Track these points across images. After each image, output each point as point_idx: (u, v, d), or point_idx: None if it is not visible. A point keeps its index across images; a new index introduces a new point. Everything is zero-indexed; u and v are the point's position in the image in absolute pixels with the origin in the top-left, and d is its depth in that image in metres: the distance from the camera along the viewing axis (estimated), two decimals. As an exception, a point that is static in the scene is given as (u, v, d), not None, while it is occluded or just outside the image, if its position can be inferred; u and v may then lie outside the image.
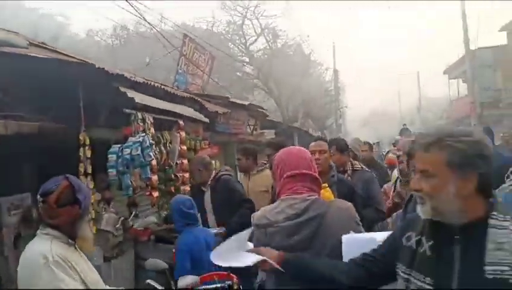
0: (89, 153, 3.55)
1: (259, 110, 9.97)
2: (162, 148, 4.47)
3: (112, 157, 3.74)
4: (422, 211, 1.43)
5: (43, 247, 2.04)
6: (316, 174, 2.10)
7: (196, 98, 5.92)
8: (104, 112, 3.96)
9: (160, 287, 3.09)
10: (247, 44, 22.45)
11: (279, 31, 23.60)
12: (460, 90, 26.90)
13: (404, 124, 21.33)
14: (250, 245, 1.93)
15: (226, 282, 3.03)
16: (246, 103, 9.23)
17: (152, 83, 4.43)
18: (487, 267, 1.29)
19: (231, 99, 7.99)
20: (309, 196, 1.98)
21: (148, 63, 11.86)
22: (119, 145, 3.82)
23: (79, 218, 2.15)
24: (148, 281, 3.19)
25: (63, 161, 3.55)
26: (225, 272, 3.03)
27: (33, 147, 3.65)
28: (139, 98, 3.88)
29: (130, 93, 3.77)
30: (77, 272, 2.08)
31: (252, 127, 10.87)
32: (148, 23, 10.32)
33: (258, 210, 2.21)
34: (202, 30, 21.42)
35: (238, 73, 22.79)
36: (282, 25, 24.21)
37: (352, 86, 41.97)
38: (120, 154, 3.72)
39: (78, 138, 3.61)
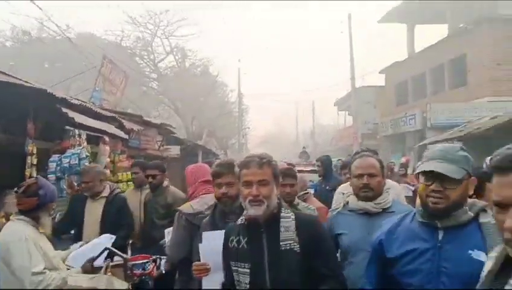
0: (35, 161, 4.41)
1: (167, 128, 11.07)
2: (91, 159, 5.40)
3: (52, 165, 4.62)
4: (257, 211, 2.03)
5: (20, 227, 2.97)
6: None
7: (116, 116, 6.90)
8: (45, 127, 4.83)
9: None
10: (156, 61, 23.28)
11: (188, 51, 24.88)
12: (347, 121, 30.77)
13: (304, 147, 23.84)
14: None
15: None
16: (159, 122, 10.31)
17: (86, 104, 5.40)
18: (281, 243, 2.00)
19: (144, 118, 9.02)
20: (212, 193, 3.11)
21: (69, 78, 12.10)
22: (58, 155, 4.72)
23: (37, 208, 3.10)
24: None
25: (9, 166, 4.36)
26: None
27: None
28: (78, 118, 4.85)
29: (71, 114, 4.73)
30: (41, 247, 3.04)
31: (159, 143, 11.89)
32: (63, 33, 10.76)
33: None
34: (111, 42, 21.72)
35: (144, 88, 23.38)
36: (192, 45, 25.43)
37: (254, 108, 44.64)
38: (59, 162, 4.63)
39: (24, 148, 4.45)
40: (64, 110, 4.71)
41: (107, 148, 5.81)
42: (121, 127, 6.95)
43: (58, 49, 16.82)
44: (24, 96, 4.50)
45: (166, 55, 23.74)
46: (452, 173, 1.73)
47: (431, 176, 1.78)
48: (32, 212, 2.96)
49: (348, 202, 2.65)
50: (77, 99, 5.27)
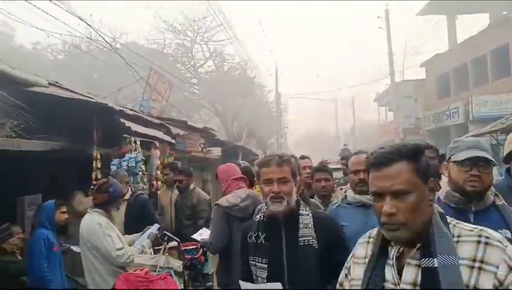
0: (99, 165, 5.20)
1: (209, 131, 11.84)
2: (145, 162, 6.18)
3: (113, 167, 5.39)
4: (279, 207, 2.15)
5: (96, 218, 3.70)
6: (243, 176, 3.60)
7: (164, 123, 7.68)
8: (106, 135, 5.63)
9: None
10: (196, 66, 24.28)
11: (227, 55, 25.70)
12: (389, 116, 30.55)
13: (345, 145, 23.91)
14: None
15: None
16: (201, 126, 11.09)
17: (139, 114, 6.18)
18: (300, 239, 2.10)
19: (188, 123, 9.80)
20: (245, 189, 3.49)
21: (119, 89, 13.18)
22: (118, 159, 5.50)
23: (108, 202, 3.81)
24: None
25: (77, 169, 5.16)
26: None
27: (57, 159, 5.22)
28: (133, 127, 5.61)
29: (127, 124, 5.50)
30: (114, 230, 3.77)
31: (202, 146, 12.68)
32: (111, 45, 11.82)
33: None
34: (153, 50, 22.92)
35: (185, 93, 24.44)
36: (230, 49, 26.20)
37: (294, 108, 45.07)
38: (119, 165, 5.40)
39: (90, 153, 5.26)
40: (121, 120, 5.49)
41: (158, 152, 6.57)
42: (168, 132, 7.72)
43: (106, 59, 18.07)
44: (89, 110, 5.30)
45: (205, 60, 24.66)
46: (490, 158, 2.05)
47: (468, 163, 2.04)
48: (103, 205, 3.71)
49: (346, 196, 2.89)
50: (131, 110, 6.06)
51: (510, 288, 1.26)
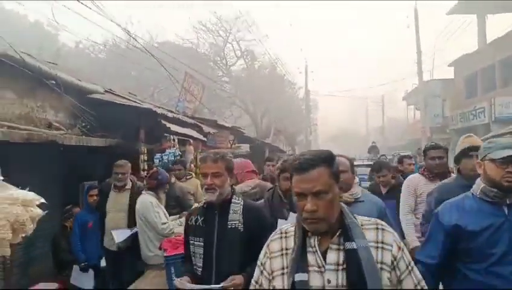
0: (146, 158, 6.48)
1: (238, 129, 13.05)
2: (181, 157, 7.42)
3: (156, 160, 6.66)
4: (211, 197, 2.53)
5: (149, 198, 4.90)
6: (254, 169, 4.65)
7: (197, 122, 8.92)
8: (150, 134, 6.90)
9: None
10: (228, 65, 25.55)
11: (258, 54, 26.82)
12: (417, 115, 30.81)
13: (373, 142, 24.38)
14: None
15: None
16: (230, 125, 12.31)
17: (176, 116, 7.43)
18: (228, 222, 2.51)
19: (218, 122, 11.03)
20: (255, 179, 4.52)
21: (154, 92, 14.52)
22: (159, 154, 6.75)
23: (156, 187, 5.00)
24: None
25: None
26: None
27: (112, 153, 6.52)
28: (172, 127, 6.86)
29: (168, 125, 6.74)
30: (161, 208, 4.95)
31: (231, 142, 13.91)
32: (147, 50, 13.12)
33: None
34: (188, 49, 24.33)
35: (216, 90, 25.76)
36: (260, 48, 27.25)
37: (324, 105, 45.73)
38: (161, 159, 6.66)
39: (138, 148, 6.53)
40: (163, 122, 6.74)
41: (192, 148, 7.80)
42: (200, 131, 8.97)
43: (143, 58, 19.48)
44: (137, 113, 6.58)
45: (237, 59, 25.88)
46: None
47: (504, 161, 2.23)
48: (154, 189, 4.91)
49: None
50: (170, 111, 7.30)
51: (400, 261, 1.67)
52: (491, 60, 20.73)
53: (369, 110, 47.21)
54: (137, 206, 4.82)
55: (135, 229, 4.92)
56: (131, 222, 5.02)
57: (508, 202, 2.25)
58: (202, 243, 2.52)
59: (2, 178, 2.09)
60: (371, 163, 15.12)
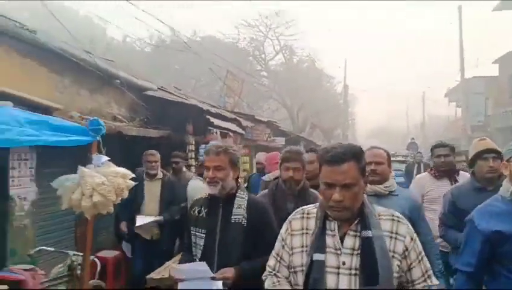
0: (193, 148, 7.47)
1: (274, 123, 13.93)
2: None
3: (201, 151, 7.63)
4: (213, 190, 2.56)
5: (199, 183, 5.83)
6: None
7: (237, 117, 9.87)
8: (196, 127, 7.89)
9: None
10: (267, 59, 26.42)
11: (296, 48, 27.50)
12: (459, 112, 30.48)
13: (412, 138, 24.53)
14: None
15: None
16: (266, 119, 13.21)
17: (220, 112, 8.40)
18: (232, 217, 2.54)
19: (255, 117, 11.96)
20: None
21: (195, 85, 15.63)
22: (204, 145, 7.73)
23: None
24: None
25: (177, 150, 7.44)
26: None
27: (164, 143, 7.54)
28: (215, 121, 7.82)
29: (211, 119, 7.71)
30: None
31: (267, 136, 14.81)
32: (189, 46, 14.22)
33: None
34: (229, 44, 25.38)
35: (255, 84, 26.70)
36: (299, 42, 27.87)
37: (364, 101, 45.76)
38: (205, 148, 7.63)
39: (184, 141, 7.53)
40: (207, 117, 7.71)
41: (231, 140, 8.75)
42: (239, 125, 9.91)
43: (185, 53, 20.64)
44: (184, 108, 7.59)
45: (276, 54, 26.70)
46: None
47: None
48: (202, 175, 5.83)
49: None
50: (213, 107, 8.27)
51: (411, 251, 1.82)
52: (537, 58, 20.44)
53: (410, 107, 46.79)
54: (189, 189, 5.71)
55: (158, 218, 5.29)
56: (162, 210, 5.35)
57: None
58: (204, 235, 2.54)
59: (108, 158, 3.03)
60: (404, 159, 15.65)
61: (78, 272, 3.71)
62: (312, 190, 3.18)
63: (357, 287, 1.74)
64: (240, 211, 2.54)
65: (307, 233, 1.89)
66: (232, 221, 2.52)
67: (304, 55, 28.06)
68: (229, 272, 2.39)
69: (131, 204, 5.11)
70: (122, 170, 2.97)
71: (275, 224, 2.49)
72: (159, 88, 7.97)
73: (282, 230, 2.00)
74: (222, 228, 2.52)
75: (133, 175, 3.26)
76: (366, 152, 3.09)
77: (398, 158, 15.31)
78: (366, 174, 2.62)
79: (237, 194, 2.61)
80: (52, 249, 4.21)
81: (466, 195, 3.07)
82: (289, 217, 2.02)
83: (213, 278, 2.36)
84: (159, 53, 24.15)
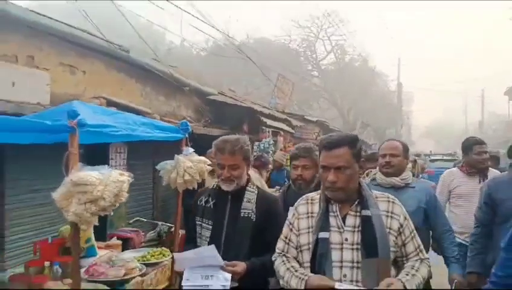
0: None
1: (324, 123, 14.96)
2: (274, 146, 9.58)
3: (255, 148, 8.89)
4: (228, 187, 2.54)
5: (254, 174, 7.08)
6: None
7: (287, 117, 11.04)
8: (251, 126, 9.15)
9: None
10: (318, 59, 27.31)
11: (348, 47, 28.12)
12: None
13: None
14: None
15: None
16: (315, 119, 14.29)
17: (271, 112, 9.62)
18: (241, 211, 2.52)
19: (305, 117, 13.08)
20: None
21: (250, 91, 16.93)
22: (257, 142, 8.98)
23: (259, 166, 7.15)
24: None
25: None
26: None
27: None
28: (267, 121, 9.04)
29: (264, 119, 8.94)
30: (263, 183, 7.13)
31: (316, 134, 15.84)
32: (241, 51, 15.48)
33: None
34: (280, 45, 26.50)
35: (306, 84, 27.61)
36: (351, 41, 28.42)
37: (420, 99, 45.20)
38: (258, 146, 8.87)
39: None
40: (261, 117, 8.96)
41: (282, 139, 9.95)
42: (289, 124, 11.08)
43: (239, 56, 21.91)
44: (241, 110, 8.88)
45: (327, 53, 27.50)
46: None
47: None
48: (257, 168, 7.04)
49: (374, 178, 3.21)
50: (266, 108, 9.50)
51: (405, 229, 2.07)
52: None
53: (469, 105, 45.58)
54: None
55: None
56: None
57: None
58: (210, 226, 2.53)
59: (193, 150, 4.27)
60: (452, 158, 16.07)
61: (164, 238, 5.01)
62: None
63: (359, 260, 1.97)
64: (249, 205, 2.54)
65: (312, 216, 2.12)
66: (241, 215, 2.51)
67: (355, 54, 28.59)
68: (241, 266, 2.35)
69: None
70: (203, 158, 4.22)
71: (284, 220, 2.40)
72: (219, 92, 9.31)
73: (289, 215, 2.25)
74: (230, 221, 2.52)
75: (209, 162, 4.51)
76: (382, 144, 3.32)
77: (444, 157, 15.77)
78: (381, 165, 3.07)
79: (247, 188, 2.60)
80: (145, 219, 5.57)
81: (502, 186, 3.08)
82: (295, 203, 2.24)
83: (222, 268, 2.33)
84: (214, 56, 25.65)
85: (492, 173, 4.19)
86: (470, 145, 4.27)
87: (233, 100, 9.12)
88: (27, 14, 4.55)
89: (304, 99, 25.08)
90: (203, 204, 2.61)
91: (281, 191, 3.37)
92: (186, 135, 4.29)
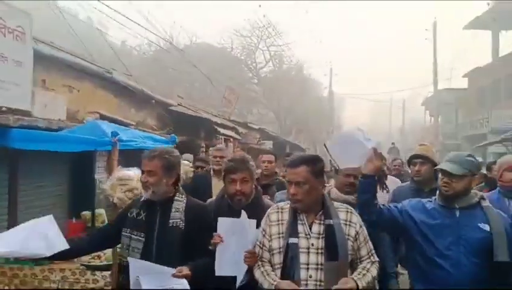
0: (204, 150, 10.37)
1: (264, 130, 16.94)
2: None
3: (210, 152, 10.53)
4: (145, 194, 2.62)
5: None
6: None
7: (235, 126, 12.84)
8: (206, 133, 10.78)
9: None
10: (258, 68, 29.25)
11: (285, 58, 30.26)
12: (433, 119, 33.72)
13: (393, 143, 26.99)
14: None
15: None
16: (257, 127, 16.25)
17: (223, 122, 11.35)
18: (170, 220, 2.60)
19: (249, 124, 14.97)
20: None
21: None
22: (212, 148, 10.64)
23: None
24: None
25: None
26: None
27: (182, 146, 10.41)
28: (220, 130, 10.76)
29: (218, 129, 10.65)
30: None
31: (257, 139, 17.77)
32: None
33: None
34: (222, 49, 28.02)
35: (246, 91, 29.19)
36: (288, 52, 30.60)
37: (349, 106, 49.23)
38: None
39: (199, 143, 10.42)
40: (214, 126, 10.67)
41: (231, 144, 11.70)
42: (236, 132, 12.89)
43: (182, 59, 22.85)
44: (197, 119, 10.51)
45: (266, 62, 29.52)
46: (454, 170, 2.55)
47: (443, 172, 2.61)
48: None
49: (329, 193, 3.04)
50: (218, 117, 11.24)
51: (360, 235, 2.40)
52: (499, 75, 23.51)
53: (393, 113, 50.21)
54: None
55: None
56: None
57: (457, 206, 2.60)
58: (143, 239, 2.58)
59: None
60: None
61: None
62: (266, 200, 3.11)
63: (323, 262, 2.27)
64: (177, 214, 2.61)
65: (282, 223, 2.43)
66: (170, 225, 2.58)
67: (292, 63, 30.78)
68: (186, 269, 2.40)
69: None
70: (186, 162, 5.89)
71: (214, 226, 2.50)
72: (179, 104, 10.88)
73: (262, 222, 2.51)
74: (159, 232, 2.59)
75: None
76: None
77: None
78: (348, 185, 2.99)
79: (175, 197, 2.66)
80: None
81: (404, 195, 3.35)
82: (267, 211, 2.54)
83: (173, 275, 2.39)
84: (156, 58, 26.43)
85: (391, 180, 4.52)
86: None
87: (193, 111, 10.75)
88: (48, 50, 5.94)
89: (244, 105, 26.77)
90: (135, 216, 2.66)
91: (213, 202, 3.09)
92: (173, 145, 5.92)
